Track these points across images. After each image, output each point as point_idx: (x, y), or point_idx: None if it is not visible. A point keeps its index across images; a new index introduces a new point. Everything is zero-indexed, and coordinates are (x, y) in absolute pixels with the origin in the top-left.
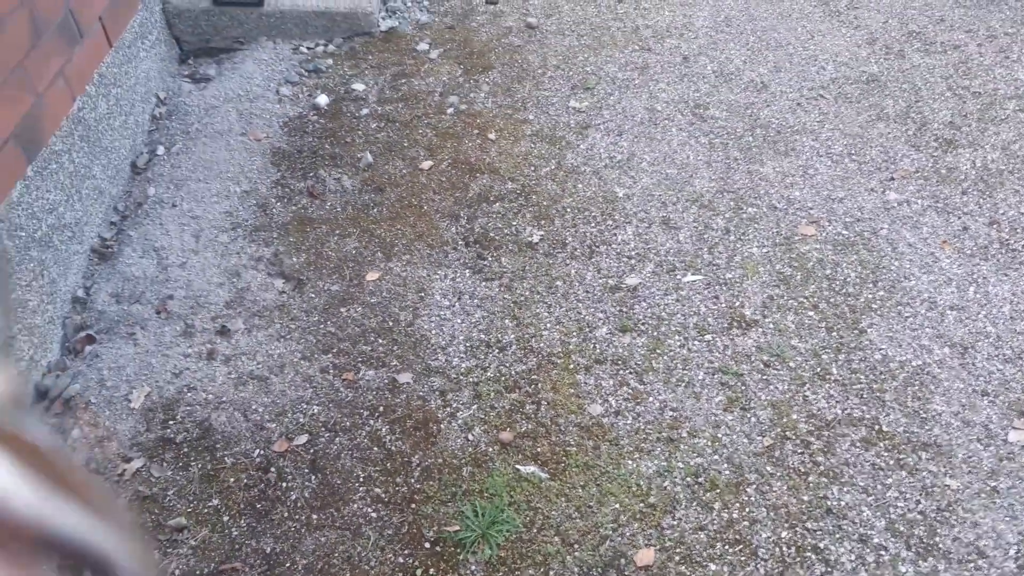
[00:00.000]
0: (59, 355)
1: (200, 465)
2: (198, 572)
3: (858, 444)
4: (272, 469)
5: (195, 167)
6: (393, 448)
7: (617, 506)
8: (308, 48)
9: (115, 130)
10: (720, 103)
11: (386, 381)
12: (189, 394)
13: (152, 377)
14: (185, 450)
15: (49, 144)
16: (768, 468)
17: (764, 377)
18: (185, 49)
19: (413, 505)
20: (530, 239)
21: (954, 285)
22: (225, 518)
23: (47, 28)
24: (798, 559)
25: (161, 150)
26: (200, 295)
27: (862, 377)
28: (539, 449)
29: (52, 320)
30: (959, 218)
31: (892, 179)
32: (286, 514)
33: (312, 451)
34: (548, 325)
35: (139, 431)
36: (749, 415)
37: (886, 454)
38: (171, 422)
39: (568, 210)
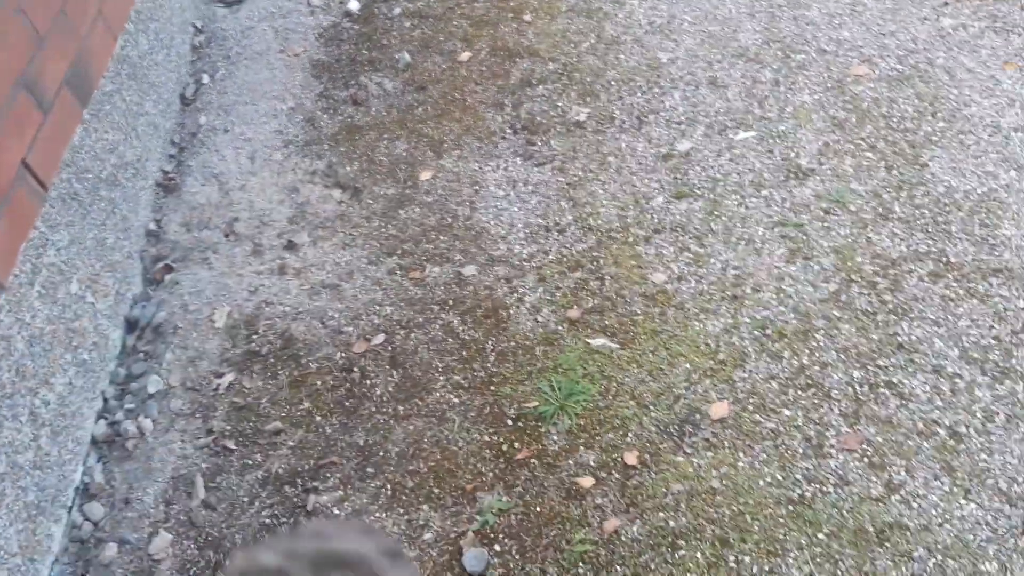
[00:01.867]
0: (142, 287)
1: (287, 373)
2: (299, 468)
3: (926, 279)
4: (355, 369)
5: (240, 90)
6: (467, 337)
7: (688, 366)
8: None
9: (159, 64)
10: None
11: (452, 276)
12: (267, 308)
13: (230, 297)
14: (271, 360)
15: (99, 86)
16: (835, 313)
17: (825, 224)
18: None
19: (492, 387)
20: (577, 118)
21: (1018, 106)
22: (317, 418)
23: None
24: (872, 396)
25: (206, 78)
26: (263, 214)
27: (926, 212)
28: (607, 322)
29: (130, 255)
30: (1020, 35)
31: (946, 3)
32: (374, 408)
33: (390, 348)
34: (604, 202)
35: (226, 348)
36: (812, 263)
37: (955, 284)
38: (254, 336)
39: (613, 83)
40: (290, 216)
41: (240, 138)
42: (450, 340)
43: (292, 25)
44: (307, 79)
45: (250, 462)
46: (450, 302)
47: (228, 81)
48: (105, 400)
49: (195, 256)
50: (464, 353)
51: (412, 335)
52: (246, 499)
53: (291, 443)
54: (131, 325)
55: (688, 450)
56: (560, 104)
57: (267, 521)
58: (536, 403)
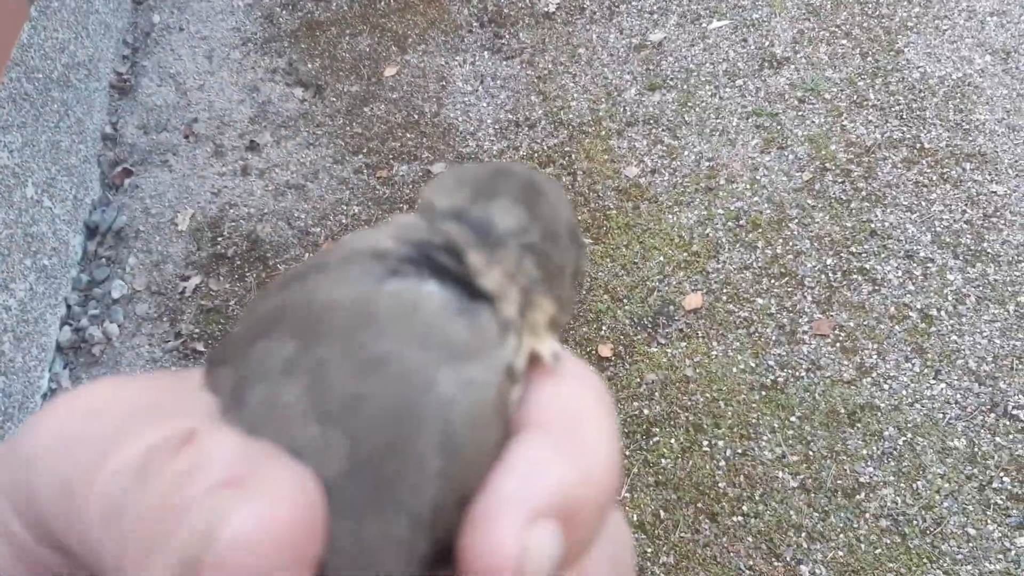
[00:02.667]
0: (101, 191)
1: (255, 275)
2: None
3: (899, 165)
4: None
5: None
6: None
7: (661, 259)
8: None
9: None
10: None
11: (420, 174)
12: (231, 210)
13: (193, 199)
14: (238, 263)
15: None
16: (809, 201)
17: (800, 113)
18: None
19: None
20: (546, 9)
21: None
22: None
23: None
24: (844, 282)
25: None
26: (223, 114)
27: (901, 98)
28: (580, 217)
29: (87, 159)
30: None
31: None
32: None
33: None
34: (575, 95)
35: (191, 251)
36: (787, 153)
37: (929, 170)
38: (219, 239)
39: None
40: (251, 116)
41: (196, 37)
42: None
43: None
44: None
45: None
46: (419, 201)
47: None
48: (68, 306)
49: (154, 159)
50: None
51: None
52: None
53: None
54: (91, 230)
55: (662, 341)
56: None
57: None
58: None
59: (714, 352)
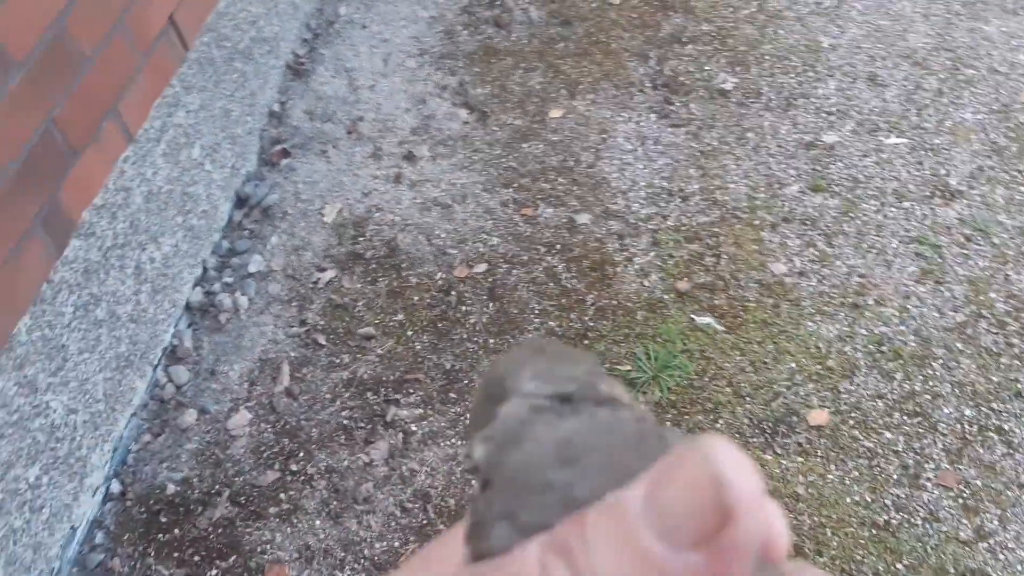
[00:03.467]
0: (256, 166)
1: (387, 281)
2: (384, 378)
3: None
4: (453, 292)
5: None
6: (568, 285)
7: (793, 365)
8: None
9: None
10: None
11: (564, 220)
12: (377, 214)
13: (343, 194)
14: (373, 266)
15: None
16: (958, 345)
17: (963, 251)
18: None
19: (586, 341)
20: (723, 86)
21: None
22: (409, 332)
23: None
24: (979, 438)
25: None
26: (388, 119)
27: None
28: (716, 301)
29: (251, 131)
30: None
31: None
32: (465, 335)
33: (491, 280)
34: (735, 178)
35: (331, 244)
36: (943, 289)
37: None
38: (360, 239)
39: (766, 57)
40: (414, 127)
41: (376, 37)
42: (551, 284)
43: None
44: None
45: (337, 361)
46: (558, 246)
47: None
48: (205, 269)
49: (314, 146)
50: (563, 301)
51: (514, 271)
52: (328, 396)
53: (380, 351)
54: (241, 201)
55: (778, 450)
56: (707, 68)
57: (344, 422)
58: (629, 367)
59: (830, 476)
